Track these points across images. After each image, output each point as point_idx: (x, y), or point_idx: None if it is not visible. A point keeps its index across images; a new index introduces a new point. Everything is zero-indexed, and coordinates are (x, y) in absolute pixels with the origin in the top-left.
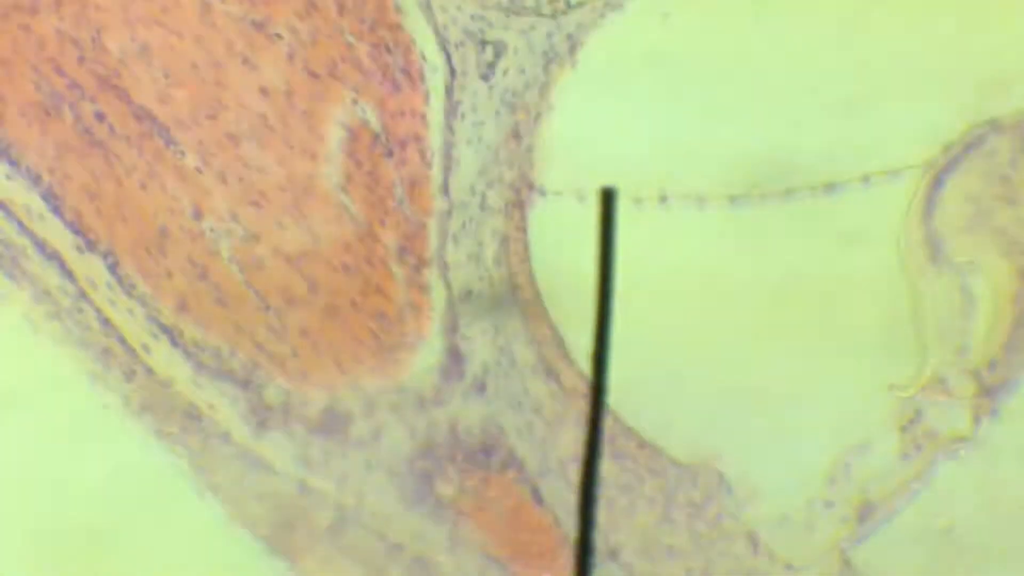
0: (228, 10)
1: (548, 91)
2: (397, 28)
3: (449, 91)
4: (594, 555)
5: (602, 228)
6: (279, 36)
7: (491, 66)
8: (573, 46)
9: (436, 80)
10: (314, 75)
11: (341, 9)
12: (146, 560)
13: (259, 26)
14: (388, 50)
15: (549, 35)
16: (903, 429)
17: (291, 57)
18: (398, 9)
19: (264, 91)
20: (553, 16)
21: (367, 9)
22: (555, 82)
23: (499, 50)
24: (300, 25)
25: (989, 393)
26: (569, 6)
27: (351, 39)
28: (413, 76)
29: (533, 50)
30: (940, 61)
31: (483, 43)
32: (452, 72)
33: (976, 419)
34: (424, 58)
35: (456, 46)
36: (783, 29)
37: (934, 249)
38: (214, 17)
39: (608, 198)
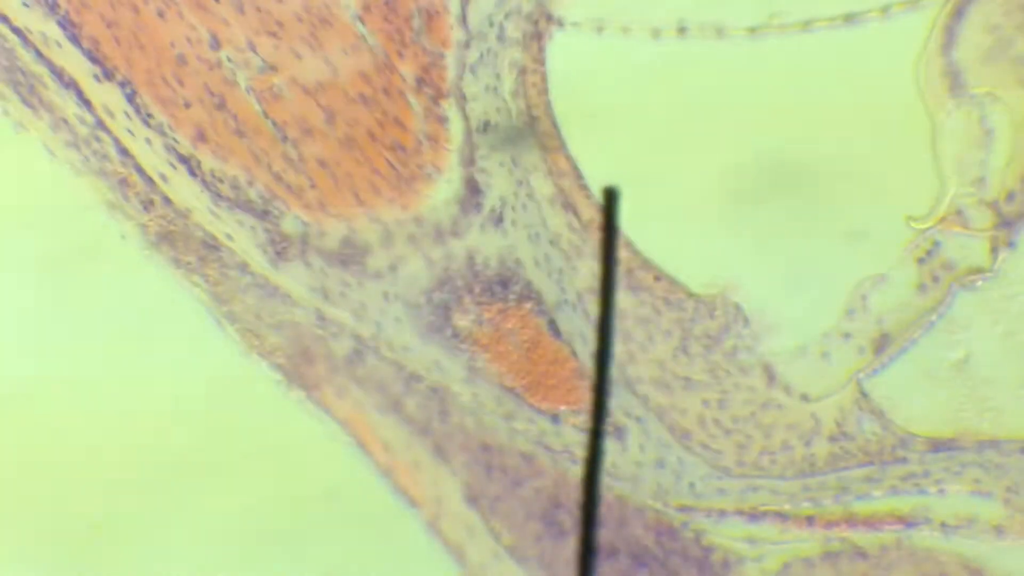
0: None
1: None
2: None
3: None
4: (597, 553)
5: (605, 228)
6: None
7: None
8: None
9: None
10: None
11: None
12: (161, 387)
13: None
14: None
15: None
16: (920, 261)
17: None
18: None
19: None
20: None
21: None
22: None
23: None
24: None
25: (1007, 225)
26: None
27: None
28: None
29: None
30: None
31: None
32: None
33: (994, 251)
34: None
35: None
36: None
37: (953, 80)
38: None
39: (611, 198)
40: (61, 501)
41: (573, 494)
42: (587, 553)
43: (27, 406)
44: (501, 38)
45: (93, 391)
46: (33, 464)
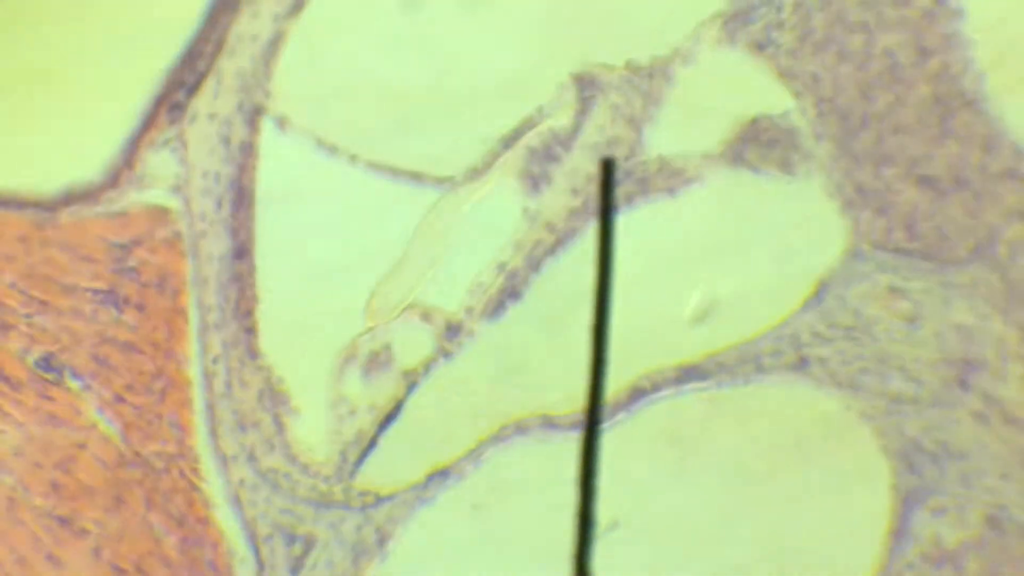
0: (35, 504)
1: None
2: (206, 522)
3: None
4: (595, 526)
5: (601, 198)
6: (86, 531)
7: (300, 559)
8: (382, 539)
9: (245, 574)
10: (121, 571)
11: (150, 504)
12: None
13: (66, 521)
14: (197, 544)
15: (358, 528)
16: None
17: (97, 552)
18: (207, 503)
19: None
20: (363, 509)
21: (176, 503)
22: (365, 575)
23: (308, 544)
24: (108, 520)
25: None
26: (379, 499)
27: (160, 533)
28: (222, 570)
29: (342, 543)
30: None
31: (292, 536)
32: (260, 566)
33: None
34: (233, 552)
35: (265, 540)
36: None
37: None
38: (20, 512)
39: (608, 168)
40: None
41: None
42: (585, 528)
43: None
44: None
45: None
46: None
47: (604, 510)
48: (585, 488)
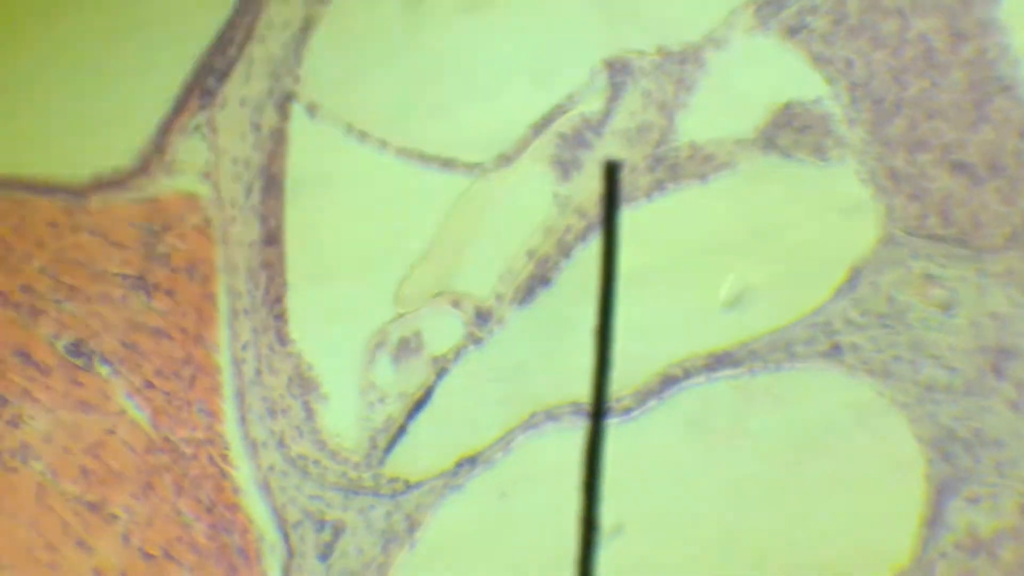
0: (64, 490)
1: (386, 570)
2: (235, 508)
3: (286, 571)
4: (599, 530)
5: (606, 200)
6: (115, 516)
7: (329, 545)
8: (412, 526)
9: (273, 560)
10: (149, 556)
11: (179, 490)
12: None
13: (95, 507)
14: (226, 530)
15: (388, 515)
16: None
17: (126, 538)
18: (236, 490)
19: (97, 573)
20: (392, 496)
21: (205, 489)
22: (393, 562)
23: (337, 530)
24: (137, 505)
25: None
26: (408, 486)
27: (189, 519)
28: (250, 556)
29: (372, 530)
30: None
31: (321, 523)
32: (289, 552)
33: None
34: (262, 538)
35: (294, 526)
36: None
37: None
38: (49, 497)
39: (612, 170)
40: None
41: None
42: (589, 529)
43: None
44: None
45: None
46: None
47: (634, 497)
48: (589, 492)
